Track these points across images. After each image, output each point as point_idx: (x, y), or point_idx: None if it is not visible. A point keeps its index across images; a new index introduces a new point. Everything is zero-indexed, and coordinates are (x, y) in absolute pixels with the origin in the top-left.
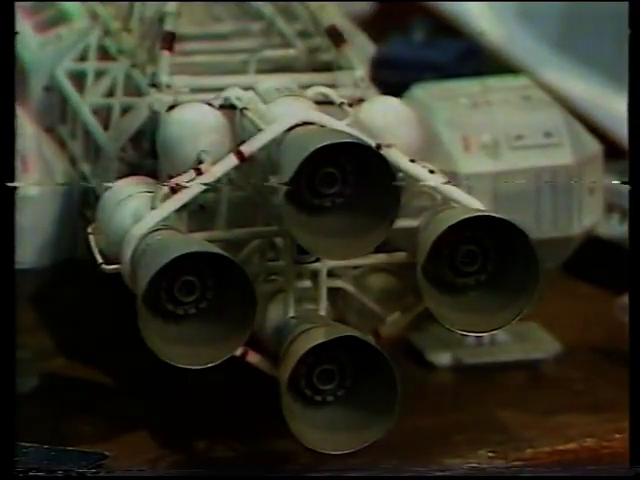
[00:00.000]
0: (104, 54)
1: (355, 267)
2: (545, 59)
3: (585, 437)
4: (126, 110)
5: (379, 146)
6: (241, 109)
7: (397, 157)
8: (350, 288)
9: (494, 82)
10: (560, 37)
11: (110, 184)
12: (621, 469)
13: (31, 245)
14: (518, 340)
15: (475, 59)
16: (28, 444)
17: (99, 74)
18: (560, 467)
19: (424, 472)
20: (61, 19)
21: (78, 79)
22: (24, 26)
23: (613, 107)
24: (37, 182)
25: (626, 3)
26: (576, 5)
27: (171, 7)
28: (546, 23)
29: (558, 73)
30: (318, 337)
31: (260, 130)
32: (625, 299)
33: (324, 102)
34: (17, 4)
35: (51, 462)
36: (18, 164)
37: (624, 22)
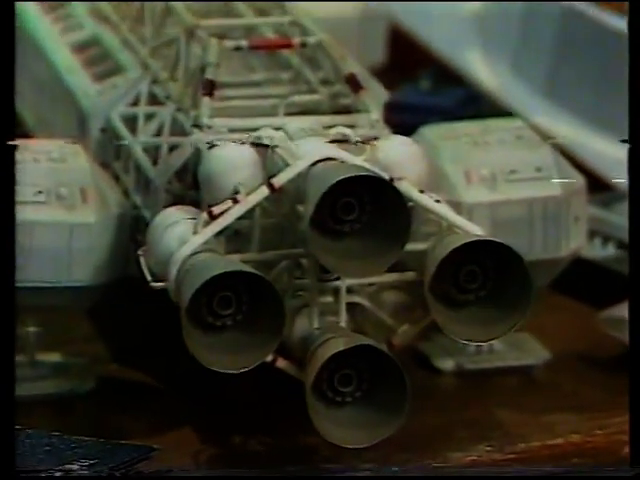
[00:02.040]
0: (153, 100)
1: (371, 284)
2: (534, 105)
3: (571, 433)
4: (172, 148)
5: (392, 179)
6: (272, 147)
7: (408, 189)
8: (366, 303)
9: (492, 124)
10: (547, 87)
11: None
12: (621, 469)
13: (90, 265)
14: (512, 348)
15: (475, 104)
16: (87, 438)
17: (149, 117)
18: (561, 468)
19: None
20: (116, 70)
21: (131, 122)
22: (84, 77)
23: (593, 146)
24: (95, 211)
25: (603, 59)
26: (562, 59)
27: (211, 59)
28: (535, 75)
29: (546, 117)
30: (339, 345)
31: (288, 165)
32: (607, 312)
33: (344, 141)
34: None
35: (107, 453)
36: (78, 195)
37: (603, 73)
